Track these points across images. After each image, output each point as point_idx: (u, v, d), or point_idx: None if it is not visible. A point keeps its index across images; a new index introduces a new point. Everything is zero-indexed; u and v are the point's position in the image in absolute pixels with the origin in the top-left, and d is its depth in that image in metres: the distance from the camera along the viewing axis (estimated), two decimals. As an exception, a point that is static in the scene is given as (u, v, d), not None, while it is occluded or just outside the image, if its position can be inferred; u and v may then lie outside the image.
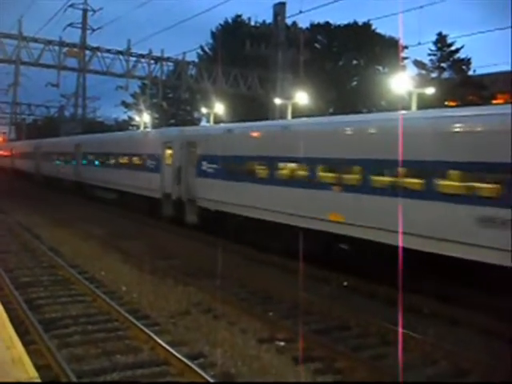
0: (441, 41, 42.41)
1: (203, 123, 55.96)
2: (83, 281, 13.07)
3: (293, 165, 15.92)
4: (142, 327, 9.63)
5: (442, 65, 42.86)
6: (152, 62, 40.03)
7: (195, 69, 42.66)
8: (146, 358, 8.63)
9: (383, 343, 9.63)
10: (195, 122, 59.69)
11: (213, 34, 59.27)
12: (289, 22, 38.75)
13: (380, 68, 50.95)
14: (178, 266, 15.23)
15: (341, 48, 52.02)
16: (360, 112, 39.34)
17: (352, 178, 13.70)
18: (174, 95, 59.30)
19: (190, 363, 8.02)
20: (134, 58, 39.28)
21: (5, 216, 24.75)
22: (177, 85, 43.93)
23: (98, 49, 38.97)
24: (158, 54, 40.01)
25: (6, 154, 63.84)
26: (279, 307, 11.58)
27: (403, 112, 15.48)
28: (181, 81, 41.38)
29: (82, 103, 64.63)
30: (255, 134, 18.73)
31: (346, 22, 52.83)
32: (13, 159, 58.04)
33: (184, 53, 41.01)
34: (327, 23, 53.35)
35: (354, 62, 53.64)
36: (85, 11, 55.39)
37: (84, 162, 34.94)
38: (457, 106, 31.02)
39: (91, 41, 48.48)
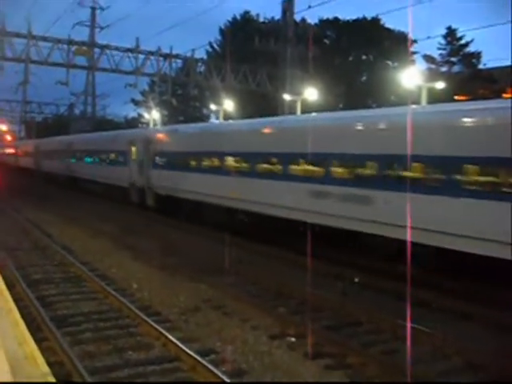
0: (450, 35, 42.15)
1: (212, 120, 55.98)
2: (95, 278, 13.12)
3: (213, 158, 20.38)
4: (154, 324, 9.66)
5: (452, 59, 42.58)
6: (161, 59, 40.14)
7: (204, 65, 42.68)
8: (157, 355, 8.66)
9: (394, 338, 9.57)
10: (204, 118, 59.66)
11: (221, 31, 59.19)
12: (297, 17, 38.78)
13: (389, 63, 50.60)
14: (188, 262, 15.23)
15: (350, 43, 51.67)
16: (370, 107, 39.05)
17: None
18: (183, 92, 59.21)
19: (201, 359, 8.04)
20: (142, 56, 39.46)
21: (17, 214, 25.00)
22: (186, 82, 44.04)
23: (106, 46, 39.13)
24: (167, 51, 40.14)
25: (12, 152, 65.54)
26: (289, 303, 11.56)
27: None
28: (190, 78, 41.43)
29: (91, 101, 64.97)
30: (192, 133, 23.93)
31: (354, 17, 52.61)
32: (17, 157, 60.93)
33: (193, 50, 41.23)
34: (336, 19, 53.10)
35: (363, 57, 53.37)
36: (93, 9, 55.65)
37: (73, 159, 38.30)
38: (467, 100, 30.78)
39: (100, 39, 48.71)
